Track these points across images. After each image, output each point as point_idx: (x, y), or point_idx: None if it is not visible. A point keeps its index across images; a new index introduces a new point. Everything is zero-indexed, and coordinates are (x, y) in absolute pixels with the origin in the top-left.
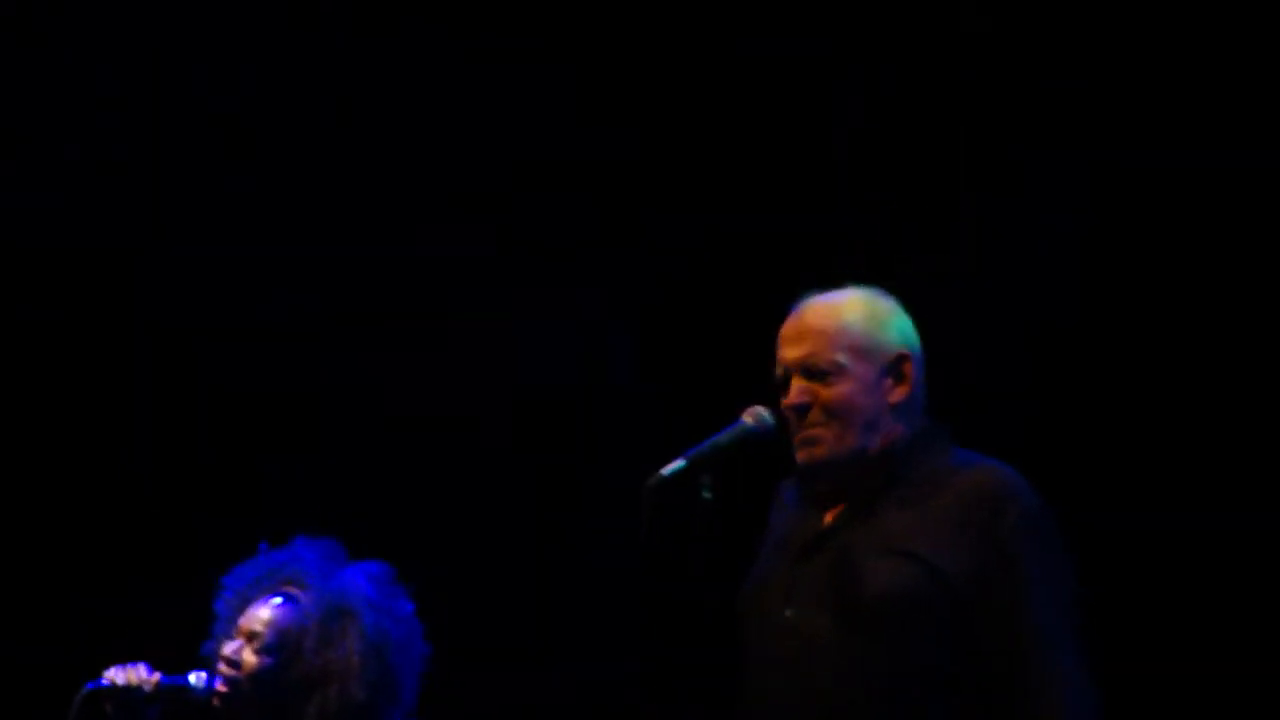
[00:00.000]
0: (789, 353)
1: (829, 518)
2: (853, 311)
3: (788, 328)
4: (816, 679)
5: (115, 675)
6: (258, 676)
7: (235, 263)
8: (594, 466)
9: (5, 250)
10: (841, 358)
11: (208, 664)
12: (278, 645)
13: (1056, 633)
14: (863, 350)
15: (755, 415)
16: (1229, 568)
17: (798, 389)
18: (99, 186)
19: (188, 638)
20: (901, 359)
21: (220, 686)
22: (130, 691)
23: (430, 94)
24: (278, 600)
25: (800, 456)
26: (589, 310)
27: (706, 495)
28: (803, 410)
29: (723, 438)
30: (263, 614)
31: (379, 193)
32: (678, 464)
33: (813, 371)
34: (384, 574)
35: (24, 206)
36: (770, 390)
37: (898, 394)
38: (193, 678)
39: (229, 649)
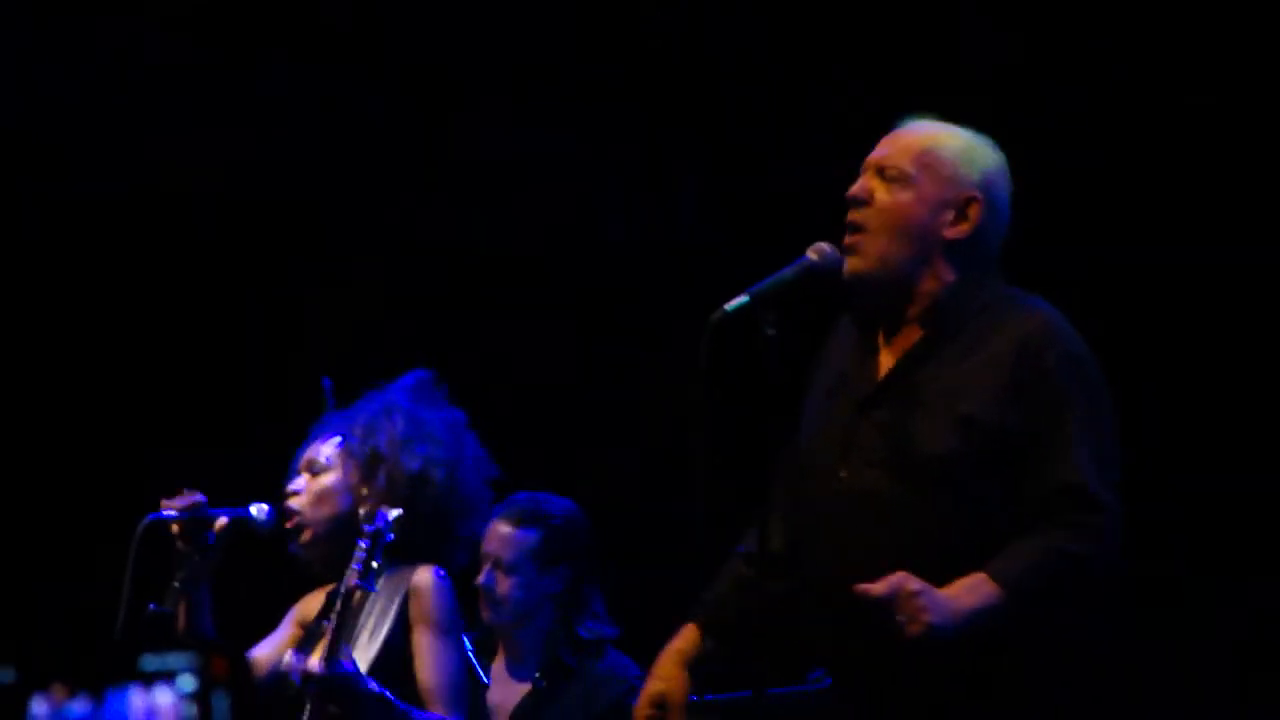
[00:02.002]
0: (875, 153)
1: (883, 370)
2: (947, 138)
3: (888, 135)
4: (869, 538)
5: (173, 504)
6: (317, 495)
7: None
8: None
9: None
10: (913, 169)
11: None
12: (331, 462)
13: (1093, 463)
14: (936, 172)
15: (820, 251)
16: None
17: (862, 183)
18: None
19: None
20: (971, 200)
21: (289, 523)
22: (192, 519)
23: None
24: (336, 438)
25: (845, 268)
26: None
27: (770, 331)
28: (858, 204)
29: (787, 273)
30: (321, 448)
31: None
32: (741, 299)
33: (884, 173)
34: (425, 377)
35: None
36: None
37: (955, 230)
38: (254, 509)
39: (291, 486)
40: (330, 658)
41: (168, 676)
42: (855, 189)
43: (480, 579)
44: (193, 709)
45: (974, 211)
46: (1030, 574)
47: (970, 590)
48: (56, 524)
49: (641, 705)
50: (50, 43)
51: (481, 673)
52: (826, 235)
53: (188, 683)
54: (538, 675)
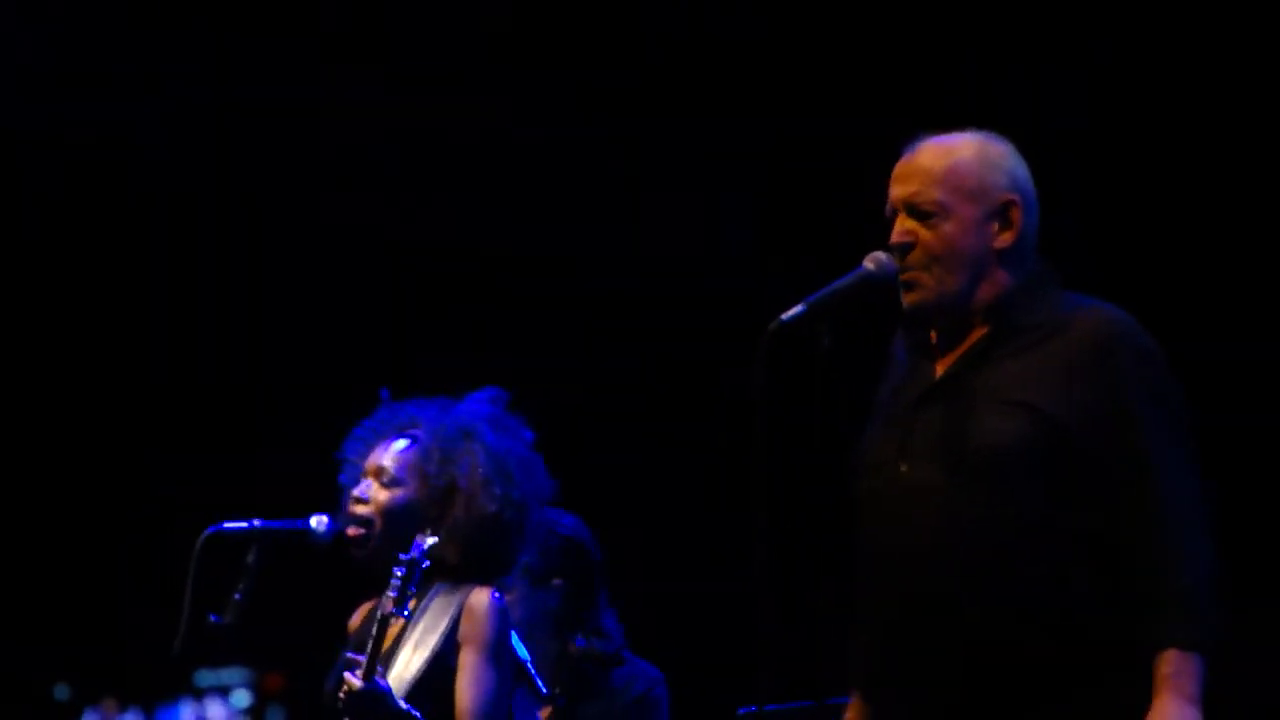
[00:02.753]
0: (896, 190)
1: (941, 368)
2: (963, 153)
3: (899, 166)
4: (931, 533)
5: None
6: (388, 510)
7: None
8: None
9: None
10: (945, 198)
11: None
12: (404, 476)
13: (1172, 471)
14: (968, 192)
15: (877, 261)
16: None
17: (901, 228)
18: None
19: None
20: (1009, 204)
21: (352, 531)
22: (247, 532)
23: None
24: (401, 442)
25: (904, 301)
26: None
27: (826, 341)
28: (905, 250)
29: (843, 283)
30: (387, 453)
31: None
32: (798, 309)
33: (917, 210)
34: (501, 397)
35: None
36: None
37: (1004, 239)
38: (314, 521)
39: (358, 490)
40: (366, 677)
41: (221, 691)
42: (896, 237)
43: None
44: None
45: (1015, 215)
46: (1192, 622)
47: (1178, 681)
48: (102, 539)
49: None
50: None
51: (542, 684)
52: (881, 243)
53: (242, 698)
54: (557, 691)
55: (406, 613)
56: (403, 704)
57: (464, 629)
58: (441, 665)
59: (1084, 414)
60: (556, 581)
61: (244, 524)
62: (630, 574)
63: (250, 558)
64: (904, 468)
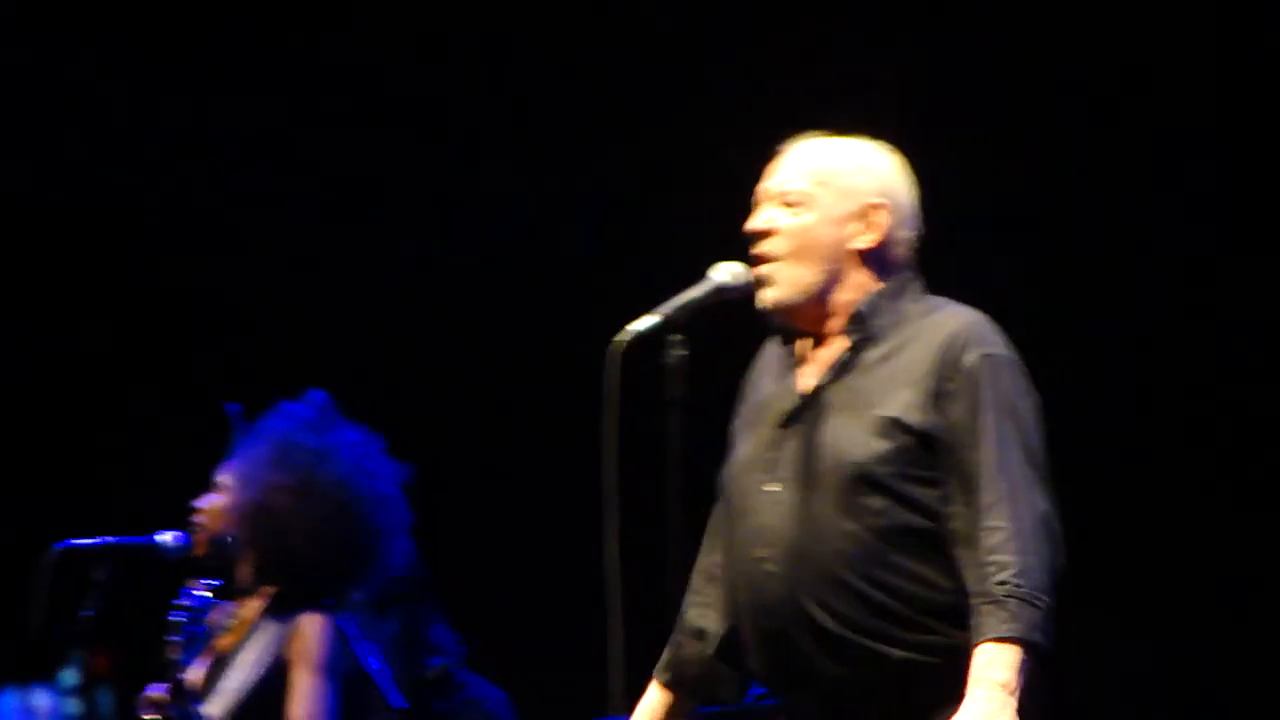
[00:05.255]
0: (767, 181)
1: (806, 381)
2: (838, 151)
3: (776, 160)
4: (799, 552)
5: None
6: (225, 518)
7: None
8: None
9: None
10: (811, 188)
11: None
12: (237, 484)
13: (1015, 471)
14: (835, 187)
15: (733, 273)
16: None
17: (764, 214)
18: None
19: None
20: (874, 207)
21: (194, 538)
22: (96, 548)
23: None
24: (235, 463)
25: (760, 300)
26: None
27: (678, 353)
28: (762, 236)
29: (698, 295)
30: (228, 470)
31: None
32: (649, 321)
33: (781, 199)
34: (320, 400)
35: None
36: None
37: (864, 241)
38: (161, 537)
39: (199, 502)
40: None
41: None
42: (756, 222)
43: None
44: (77, 706)
45: (880, 218)
46: (1005, 616)
47: (984, 672)
48: None
49: None
50: None
51: (399, 697)
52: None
53: (71, 678)
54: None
55: (194, 661)
56: None
57: (293, 648)
58: (267, 687)
59: (944, 423)
60: (393, 609)
61: (93, 540)
62: (475, 589)
63: (99, 574)
64: (769, 489)
